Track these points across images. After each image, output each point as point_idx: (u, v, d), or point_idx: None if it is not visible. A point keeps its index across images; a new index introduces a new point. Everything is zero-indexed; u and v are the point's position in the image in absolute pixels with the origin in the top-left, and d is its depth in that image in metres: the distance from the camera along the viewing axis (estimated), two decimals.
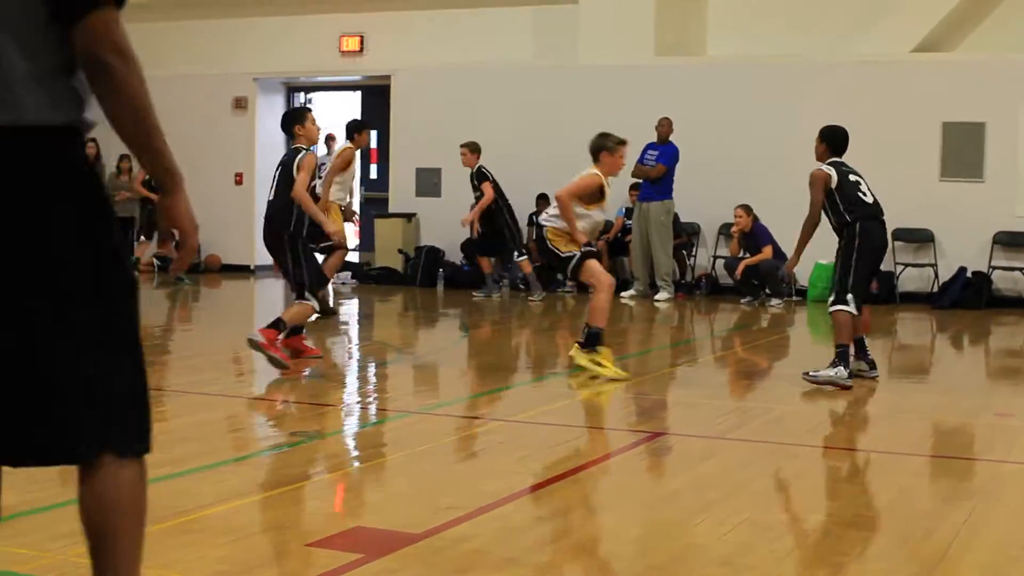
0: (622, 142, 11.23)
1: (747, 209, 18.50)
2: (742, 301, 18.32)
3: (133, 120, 3.18)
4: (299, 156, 10.57)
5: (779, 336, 15.03)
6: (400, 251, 21.39)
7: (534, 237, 11.19)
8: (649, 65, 20.46)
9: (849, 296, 10.50)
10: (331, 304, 16.33)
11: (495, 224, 18.35)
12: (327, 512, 6.20)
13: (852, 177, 10.89)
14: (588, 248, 10.54)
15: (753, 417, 9.04)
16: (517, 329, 15.52)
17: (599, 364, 10.25)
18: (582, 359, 10.32)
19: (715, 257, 20.03)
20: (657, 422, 9.00)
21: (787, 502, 6.33)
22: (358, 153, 15.89)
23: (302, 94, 24.46)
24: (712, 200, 19.64)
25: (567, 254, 10.50)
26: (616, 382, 10.14)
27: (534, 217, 20.82)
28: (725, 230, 19.65)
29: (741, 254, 18.67)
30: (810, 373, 10.29)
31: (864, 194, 10.88)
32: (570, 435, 8.22)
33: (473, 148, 18.30)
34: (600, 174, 10.72)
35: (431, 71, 21.95)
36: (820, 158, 11.03)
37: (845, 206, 10.73)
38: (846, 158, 11.07)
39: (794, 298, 18.58)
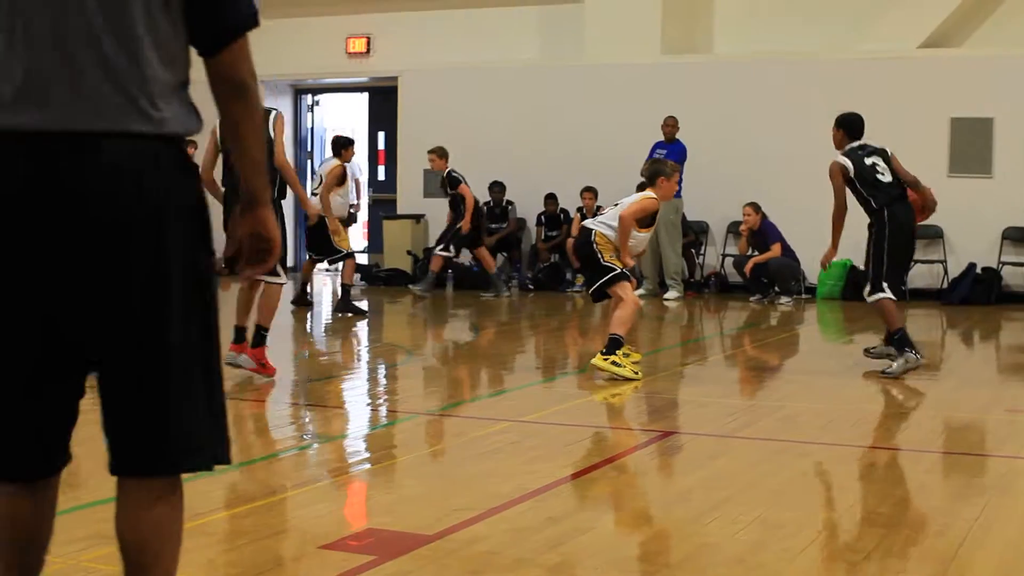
0: (676, 167, 11.54)
1: (755, 207, 18.48)
2: (751, 299, 18.32)
3: (257, 138, 3.37)
4: (272, 115, 10.21)
5: (789, 334, 15.02)
6: (409, 252, 21.39)
7: (579, 236, 11.26)
8: (656, 64, 20.46)
9: (884, 284, 10.84)
10: (308, 296, 16.64)
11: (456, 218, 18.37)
12: (339, 514, 6.20)
13: (868, 160, 11.10)
14: (628, 271, 10.79)
15: (764, 415, 9.02)
16: (527, 330, 15.52)
17: (616, 364, 10.32)
18: (601, 363, 10.37)
19: (724, 255, 20.02)
20: (668, 421, 9.00)
21: (799, 500, 6.31)
22: (348, 165, 16.14)
23: (309, 96, 24.48)
24: (720, 198, 19.63)
25: (607, 264, 10.66)
26: (629, 382, 10.12)
27: (542, 217, 20.85)
28: (734, 228, 19.64)
29: (750, 252, 18.66)
30: (885, 372, 10.73)
31: (882, 174, 11.09)
32: (581, 435, 8.22)
33: (441, 153, 18.33)
34: (657, 198, 10.88)
35: (438, 72, 21.95)
36: (839, 145, 11.31)
37: (868, 192, 10.98)
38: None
39: (804, 296, 18.56)
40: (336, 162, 15.97)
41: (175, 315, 3.24)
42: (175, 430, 3.27)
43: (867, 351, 11.38)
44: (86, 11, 3.11)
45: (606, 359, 10.36)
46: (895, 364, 10.70)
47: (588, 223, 11.12)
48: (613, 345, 10.40)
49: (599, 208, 19.82)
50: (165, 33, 3.20)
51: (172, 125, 3.22)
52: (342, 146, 16.22)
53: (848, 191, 11.02)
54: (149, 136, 3.18)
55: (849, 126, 11.39)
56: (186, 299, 3.26)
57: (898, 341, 10.77)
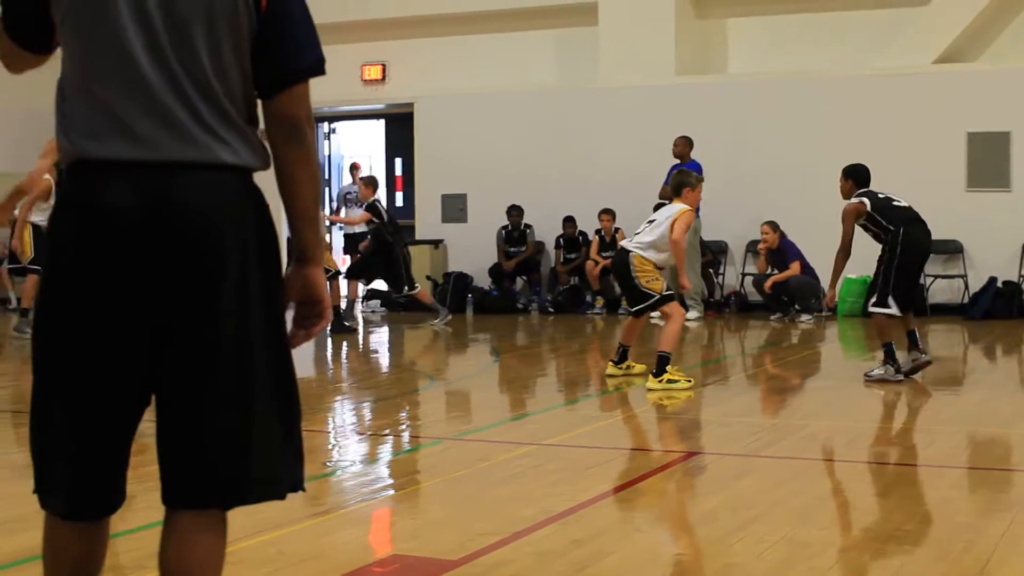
0: (701, 178, 12.11)
1: (773, 225, 18.47)
2: (772, 318, 18.30)
3: (312, 187, 3.44)
4: None
5: (810, 352, 14.99)
6: (428, 277, 21.41)
7: (617, 255, 11.78)
8: (670, 85, 20.48)
9: (890, 299, 11.38)
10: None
11: (391, 255, 18.16)
12: (363, 541, 6.20)
13: (882, 195, 11.68)
14: (669, 293, 11.40)
15: (787, 434, 9.00)
16: (548, 352, 15.51)
17: (672, 381, 10.87)
18: (655, 385, 10.82)
19: (743, 274, 20.01)
20: (691, 442, 8.98)
21: (824, 518, 6.29)
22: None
23: (326, 124, 24.55)
24: (738, 217, 19.62)
25: (646, 291, 11.26)
26: (685, 392, 10.81)
27: (560, 240, 20.85)
28: (752, 247, 19.64)
29: (769, 271, 18.65)
30: (867, 373, 11.53)
31: (898, 202, 11.65)
32: (604, 457, 8.21)
33: (368, 182, 18.51)
34: (691, 208, 11.58)
35: (453, 97, 21.99)
36: (847, 195, 11.82)
37: (887, 219, 11.47)
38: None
39: (824, 313, 18.53)
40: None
41: (258, 341, 3.31)
42: (258, 460, 3.32)
43: (899, 371, 11.49)
44: (168, 60, 3.23)
45: (660, 380, 10.81)
46: (877, 370, 11.44)
47: (626, 244, 11.58)
48: (662, 363, 10.85)
49: (617, 230, 19.89)
50: (233, 73, 3.30)
51: (248, 158, 3.32)
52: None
53: (861, 229, 11.59)
54: (231, 167, 3.28)
55: (858, 176, 11.86)
56: (267, 325, 3.34)
57: (887, 353, 11.40)
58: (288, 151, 3.38)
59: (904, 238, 11.33)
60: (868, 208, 11.42)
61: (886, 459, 7.99)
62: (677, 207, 11.44)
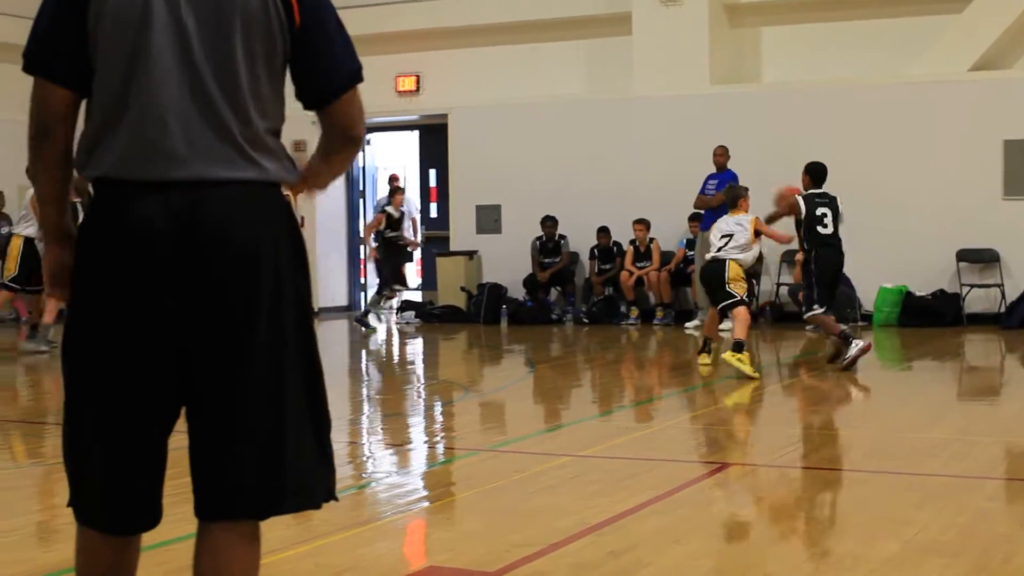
0: (746, 188, 14.12)
1: None
2: (807, 328, 18.19)
3: (343, 166, 3.72)
4: None
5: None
6: (463, 289, 21.42)
7: (712, 265, 13.62)
8: (705, 94, 20.45)
9: (816, 305, 13.27)
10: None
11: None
12: (399, 552, 6.20)
13: (819, 211, 13.53)
14: (748, 298, 13.58)
15: (823, 444, 8.97)
16: (582, 363, 15.49)
17: (741, 362, 12.38)
18: (729, 358, 12.49)
19: (779, 284, 19.94)
20: (726, 453, 8.95)
21: (861, 529, 6.26)
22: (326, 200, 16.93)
23: None
24: (774, 227, 19.54)
25: (731, 292, 13.12)
26: (750, 380, 12.14)
27: (595, 251, 20.82)
28: (788, 257, 19.55)
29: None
30: (842, 359, 12.95)
31: (825, 226, 13.50)
32: (639, 468, 8.19)
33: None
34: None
35: (487, 108, 22.00)
36: (804, 189, 13.73)
37: (807, 239, 13.48)
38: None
39: (860, 323, 18.46)
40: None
41: (291, 352, 3.35)
42: (291, 470, 3.33)
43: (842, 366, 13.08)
44: (203, 78, 3.28)
45: (734, 356, 12.42)
46: (847, 355, 12.92)
47: (719, 255, 13.30)
48: (739, 346, 12.49)
49: (651, 240, 19.85)
50: (266, 89, 3.36)
51: (275, 172, 3.37)
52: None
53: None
54: (258, 182, 3.31)
55: (816, 174, 13.86)
56: (299, 336, 3.38)
57: (843, 337, 13.11)
58: (338, 152, 3.56)
59: (817, 258, 13.39)
60: (801, 215, 13.42)
61: (923, 470, 7.94)
62: (745, 217, 13.41)
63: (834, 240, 13.53)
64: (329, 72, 3.42)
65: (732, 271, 13.19)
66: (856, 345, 13.07)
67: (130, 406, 3.28)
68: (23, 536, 6.37)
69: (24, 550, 6.05)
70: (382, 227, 19.41)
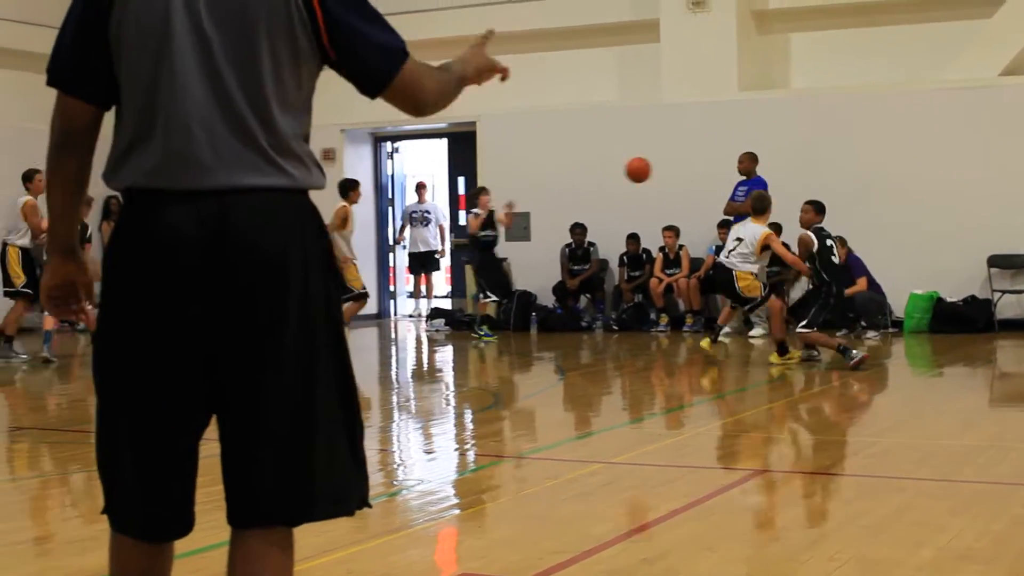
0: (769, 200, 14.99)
1: (841, 241, 18.31)
2: (838, 334, 18.14)
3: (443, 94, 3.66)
4: None
5: (877, 368, 14.86)
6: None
7: (719, 272, 15.03)
8: (733, 100, 20.41)
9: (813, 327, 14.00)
10: None
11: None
12: (430, 560, 6.20)
13: (828, 242, 14.00)
14: (767, 295, 14.63)
15: (856, 451, 8.94)
16: (612, 371, 15.47)
17: (789, 363, 14.10)
18: (777, 361, 14.16)
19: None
20: (758, 459, 8.92)
21: (895, 536, 6.23)
22: (355, 208, 16.97)
23: (389, 143, 24.64)
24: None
25: (749, 297, 14.56)
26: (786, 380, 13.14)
27: (624, 258, 20.80)
28: None
29: None
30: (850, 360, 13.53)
31: (836, 255, 14.19)
32: (671, 475, 8.17)
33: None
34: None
35: (516, 115, 22.00)
36: (806, 224, 14.02)
37: (825, 271, 13.95)
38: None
39: (891, 329, 18.39)
40: (342, 203, 16.31)
41: (322, 357, 3.34)
42: (324, 476, 3.33)
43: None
44: (227, 85, 3.28)
45: (780, 359, 14.05)
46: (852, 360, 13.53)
47: (725, 262, 14.38)
48: (782, 349, 14.07)
49: (681, 247, 19.85)
50: (292, 94, 3.35)
51: (302, 178, 3.36)
52: (348, 188, 16.96)
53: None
54: (285, 189, 3.31)
55: (820, 208, 14.08)
56: (329, 340, 3.37)
57: (842, 350, 13.84)
58: (415, 112, 3.57)
59: (837, 294, 14.11)
60: (814, 248, 13.82)
61: (957, 477, 7.90)
62: (759, 229, 14.13)
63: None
64: (371, 62, 3.41)
65: (742, 282, 14.30)
66: (856, 356, 13.64)
67: (161, 414, 3.29)
68: (59, 543, 6.39)
69: (60, 557, 6.07)
70: (479, 232, 18.91)
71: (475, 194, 19.32)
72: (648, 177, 15.01)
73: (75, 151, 3.38)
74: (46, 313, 15.57)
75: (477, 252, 19.02)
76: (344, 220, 16.35)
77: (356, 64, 3.40)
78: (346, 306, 15.97)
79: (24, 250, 15.84)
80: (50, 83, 3.39)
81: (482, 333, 18.67)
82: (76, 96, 3.35)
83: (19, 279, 15.89)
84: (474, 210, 19.09)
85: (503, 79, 3.86)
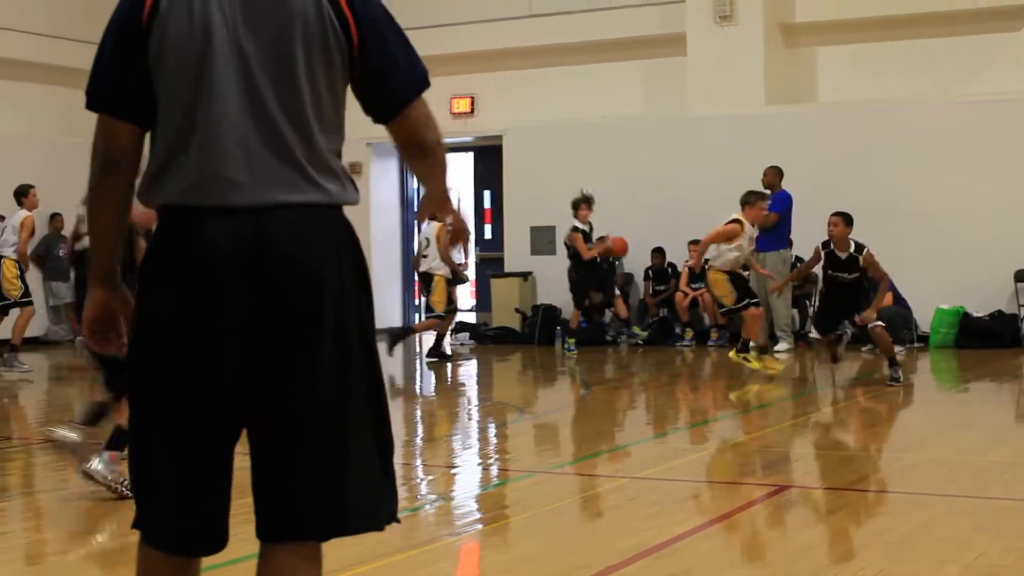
0: (765, 196, 15.47)
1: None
2: (863, 349, 18.08)
3: (442, 176, 3.62)
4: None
5: (903, 384, 14.79)
6: (517, 310, 21.42)
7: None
8: (760, 114, 20.38)
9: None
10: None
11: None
12: (454, 574, 6.20)
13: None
14: (743, 304, 14.48)
15: (881, 467, 8.91)
16: (637, 385, 15.46)
17: (747, 360, 14.28)
18: (735, 356, 14.45)
19: None
20: (783, 475, 8.90)
21: (921, 553, 6.21)
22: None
23: None
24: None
25: (726, 305, 14.70)
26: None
27: (649, 272, 20.79)
28: None
29: None
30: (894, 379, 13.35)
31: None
32: (697, 490, 8.16)
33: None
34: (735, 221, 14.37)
35: (542, 129, 22.02)
36: (844, 236, 13.75)
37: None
38: None
39: (916, 344, 18.33)
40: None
41: (355, 373, 3.36)
42: (355, 491, 3.34)
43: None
44: (265, 102, 3.30)
45: (739, 355, 14.36)
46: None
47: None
48: (744, 345, 14.38)
49: (706, 261, 19.84)
50: (327, 110, 3.37)
51: (337, 194, 3.38)
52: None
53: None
54: (321, 205, 3.33)
55: (849, 220, 13.80)
56: (362, 356, 3.39)
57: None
58: (418, 166, 3.56)
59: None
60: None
61: (984, 493, 7.87)
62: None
63: None
64: (394, 84, 3.42)
65: (710, 282, 14.84)
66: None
67: (197, 427, 3.31)
68: (86, 556, 6.41)
69: (86, 570, 6.09)
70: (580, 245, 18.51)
71: (580, 203, 18.63)
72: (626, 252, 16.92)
73: (119, 173, 3.38)
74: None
75: (582, 267, 18.68)
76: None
77: (379, 81, 3.41)
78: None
79: (17, 261, 16.06)
80: (90, 106, 3.39)
81: (567, 348, 18.74)
82: (117, 117, 3.36)
83: (17, 290, 16.12)
84: (576, 222, 18.69)
85: (452, 239, 3.78)
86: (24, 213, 16.09)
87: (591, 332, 20.38)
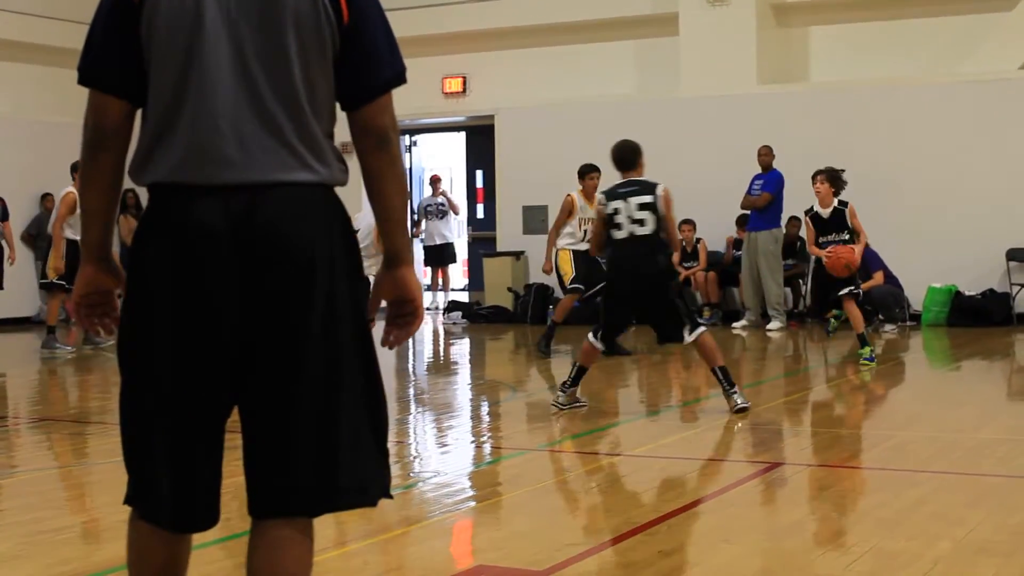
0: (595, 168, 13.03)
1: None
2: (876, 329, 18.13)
3: (401, 193, 3.47)
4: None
5: (894, 362, 14.83)
6: (509, 289, 21.43)
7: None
8: (752, 94, 20.38)
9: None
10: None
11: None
12: (447, 552, 6.21)
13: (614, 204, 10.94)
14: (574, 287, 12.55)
15: (872, 445, 8.92)
16: (629, 364, 15.45)
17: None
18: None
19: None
20: (775, 452, 8.91)
21: (913, 529, 6.22)
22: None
23: (407, 136, 24.65)
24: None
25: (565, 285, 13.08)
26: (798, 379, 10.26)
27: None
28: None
29: None
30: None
31: (619, 226, 10.64)
32: (688, 468, 8.17)
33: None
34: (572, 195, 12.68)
35: (534, 109, 22.01)
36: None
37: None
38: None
39: (908, 323, 18.35)
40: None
41: (347, 351, 3.37)
42: (347, 467, 3.35)
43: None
44: (256, 80, 3.30)
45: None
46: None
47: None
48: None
49: (699, 240, 19.89)
50: (319, 90, 3.37)
51: (329, 174, 3.38)
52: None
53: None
54: (312, 184, 3.33)
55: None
56: (355, 333, 3.39)
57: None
58: (375, 160, 3.43)
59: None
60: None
61: (975, 470, 7.88)
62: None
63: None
64: (375, 68, 3.41)
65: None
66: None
67: (190, 404, 3.31)
68: (74, 535, 6.41)
69: (78, 548, 6.09)
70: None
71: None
72: None
73: (109, 149, 3.38)
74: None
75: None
76: None
77: (360, 68, 3.39)
78: None
79: (72, 242, 15.38)
80: (81, 82, 3.39)
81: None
82: (108, 92, 3.36)
83: (57, 271, 15.66)
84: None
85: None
86: (67, 188, 15.61)
87: (584, 312, 20.34)
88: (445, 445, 9.48)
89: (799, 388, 12.49)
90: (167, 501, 3.35)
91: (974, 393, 11.47)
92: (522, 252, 21.91)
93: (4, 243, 18.72)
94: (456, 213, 23.67)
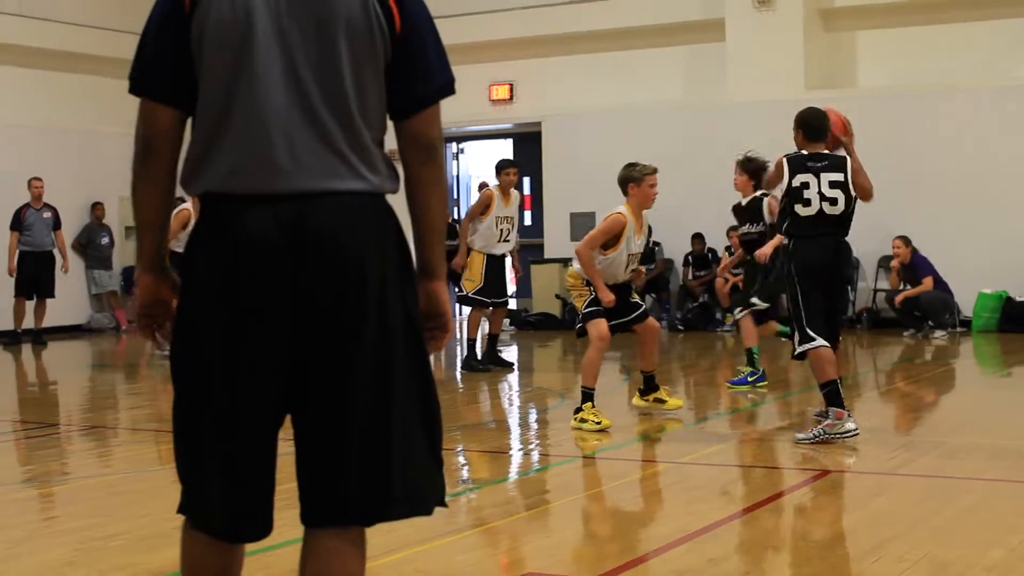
0: (649, 169, 11.08)
1: (905, 240, 18.22)
2: (905, 334, 18.04)
3: (442, 205, 3.50)
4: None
5: (944, 369, 14.75)
6: (557, 296, 21.42)
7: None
8: (800, 99, 20.24)
9: (809, 331, 9.26)
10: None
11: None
12: (497, 559, 6.21)
13: (802, 178, 9.84)
14: (588, 311, 10.62)
15: (924, 451, 8.87)
16: (678, 371, 15.43)
17: (583, 421, 10.01)
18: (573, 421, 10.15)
19: (875, 290, 19.74)
20: (825, 460, 8.85)
21: (965, 537, 6.18)
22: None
23: (454, 144, 24.68)
24: (870, 233, 19.30)
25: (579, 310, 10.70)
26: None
27: (689, 257, 20.76)
28: (885, 263, 19.38)
29: (901, 286, 18.38)
30: (798, 437, 9.15)
31: (808, 202, 9.56)
32: (738, 475, 8.15)
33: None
34: (624, 212, 10.84)
35: (581, 115, 21.99)
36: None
37: (787, 213, 9.62)
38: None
39: (958, 329, 18.24)
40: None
41: (400, 359, 3.36)
42: (401, 477, 3.35)
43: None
44: (307, 88, 3.30)
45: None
46: (815, 428, 9.14)
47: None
48: (584, 397, 10.13)
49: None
50: (370, 98, 3.37)
51: (380, 182, 3.38)
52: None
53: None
54: (363, 193, 3.33)
55: (807, 125, 10.71)
56: (408, 342, 3.39)
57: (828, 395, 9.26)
58: (421, 170, 3.44)
59: (792, 252, 9.53)
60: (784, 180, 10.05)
61: None
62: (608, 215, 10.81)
63: (823, 228, 9.54)
64: (425, 78, 3.42)
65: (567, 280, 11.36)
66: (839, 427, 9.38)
67: (244, 414, 3.32)
68: (129, 540, 6.45)
69: (130, 554, 6.13)
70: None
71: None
72: None
73: (161, 158, 3.39)
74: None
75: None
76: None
77: (412, 78, 3.40)
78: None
79: (176, 254, 15.42)
80: (133, 91, 3.41)
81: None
82: (158, 101, 3.37)
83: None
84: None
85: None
86: (183, 206, 15.20)
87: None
88: (494, 452, 9.48)
89: (848, 395, 12.39)
90: (221, 511, 3.36)
91: None
92: (569, 259, 21.82)
93: (57, 252, 18.92)
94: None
